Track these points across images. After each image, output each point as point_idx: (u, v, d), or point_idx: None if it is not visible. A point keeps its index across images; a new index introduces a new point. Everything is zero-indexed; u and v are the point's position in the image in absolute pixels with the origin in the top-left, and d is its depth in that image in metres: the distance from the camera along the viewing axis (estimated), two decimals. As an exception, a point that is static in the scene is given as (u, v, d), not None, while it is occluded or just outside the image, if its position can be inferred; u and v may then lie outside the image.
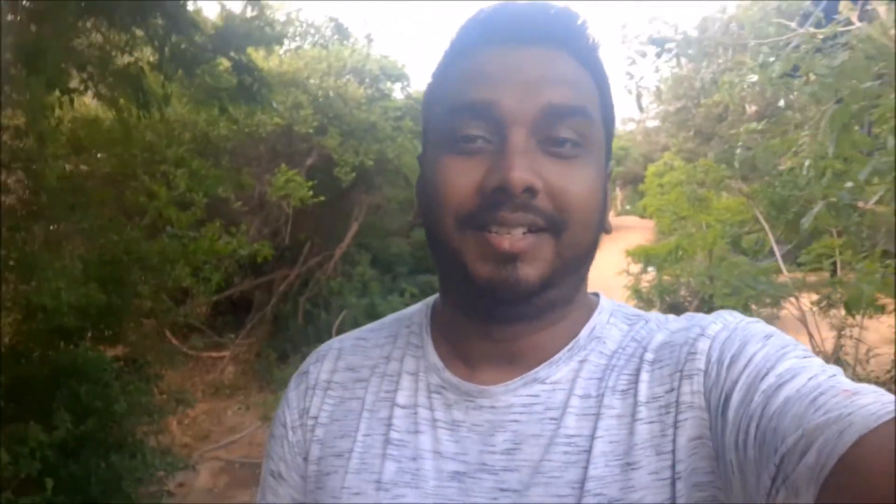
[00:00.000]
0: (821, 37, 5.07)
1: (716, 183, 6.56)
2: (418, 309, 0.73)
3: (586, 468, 0.56)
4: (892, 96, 3.10)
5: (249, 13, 3.71)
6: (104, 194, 3.73)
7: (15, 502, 3.01)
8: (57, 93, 3.56)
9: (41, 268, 2.94)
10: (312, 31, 7.85)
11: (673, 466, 0.54)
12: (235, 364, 8.63)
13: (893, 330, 5.02)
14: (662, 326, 0.64)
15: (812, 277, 6.22)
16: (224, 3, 3.90)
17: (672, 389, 0.57)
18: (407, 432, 0.63)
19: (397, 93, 8.35)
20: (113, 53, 3.77)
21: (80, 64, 3.68)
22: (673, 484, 0.54)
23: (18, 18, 3.26)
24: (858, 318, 5.37)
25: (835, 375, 0.51)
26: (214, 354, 8.53)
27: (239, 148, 6.95)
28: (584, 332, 0.64)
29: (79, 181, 3.57)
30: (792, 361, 0.53)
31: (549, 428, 0.59)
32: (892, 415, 0.42)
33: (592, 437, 0.57)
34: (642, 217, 15.22)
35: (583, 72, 0.62)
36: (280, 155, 7.31)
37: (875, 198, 3.70)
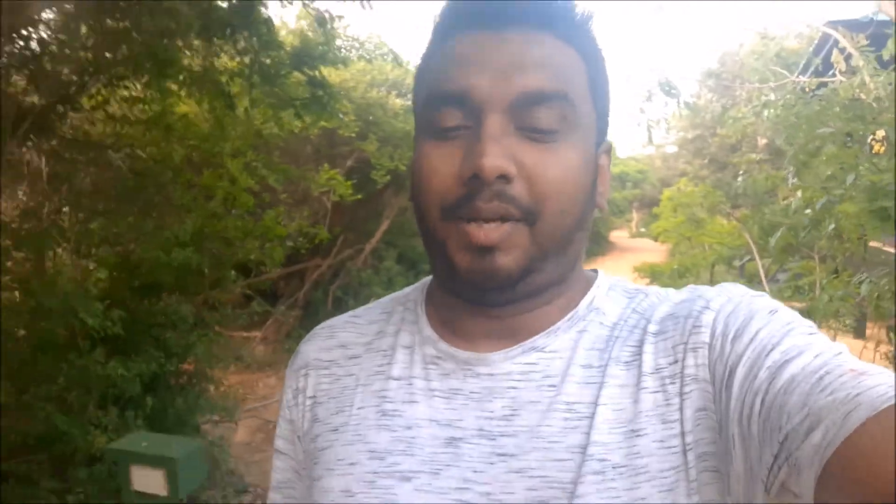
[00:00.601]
0: (815, 85, 5.85)
1: (711, 207, 7.27)
2: (414, 288, 0.74)
3: (588, 433, 0.57)
4: (834, 144, 3.85)
5: (321, 37, 4.52)
6: (190, 176, 4.55)
7: (122, 416, 3.81)
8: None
9: (157, 229, 3.72)
10: (357, 45, 8.71)
11: (682, 436, 0.55)
12: (266, 343, 9.46)
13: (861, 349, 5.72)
14: (664, 299, 0.64)
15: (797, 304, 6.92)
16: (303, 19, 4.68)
17: (676, 361, 0.58)
18: (402, 402, 0.64)
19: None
20: (205, 61, 4.60)
21: (179, 69, 4.51)
22: (684, 454, 0.55)
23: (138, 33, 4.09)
24: (831, 334, 6.07)
25: (840, 353, 0.51)
26: (245, 334, 9.37)
27: (288, 146, 7.78)
28: (583, 303, 0.65)
29: (174, 165, 4.39)
30: (797, 338, 0.53)
31: (548, 395, 0.60)
32: None
33: (595, 405, 0.58)
34: (655, 240, 15.89)
35: (567, 51, 0.61)
36: (323, 155, 8.15)
37: (831, 226, 4.42)
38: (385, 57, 8.74)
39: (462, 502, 0.58)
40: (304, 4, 4.74)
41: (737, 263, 9.08)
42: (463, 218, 0.58)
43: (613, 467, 0.55)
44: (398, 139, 8.18)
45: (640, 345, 0.60)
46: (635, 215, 32.35)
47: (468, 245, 0.58)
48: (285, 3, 4.66)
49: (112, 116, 4.73)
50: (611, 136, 0.68)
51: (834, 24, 7.61)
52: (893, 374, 0.46)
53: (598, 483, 0.55)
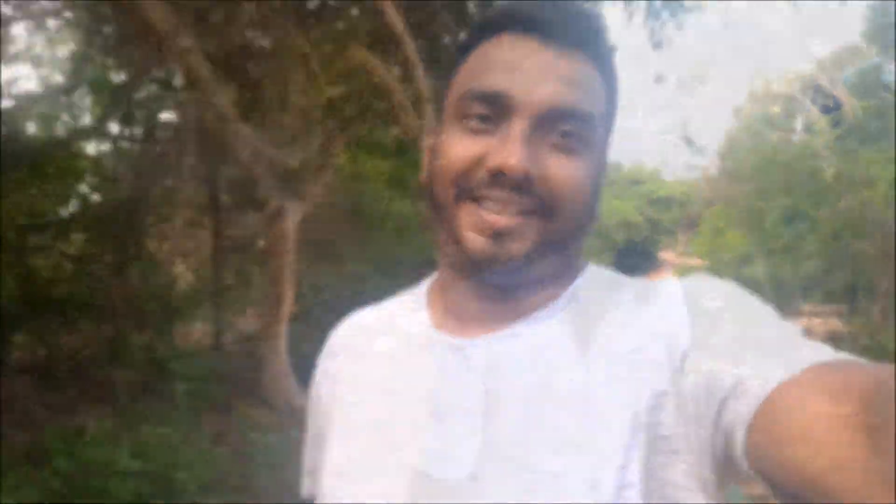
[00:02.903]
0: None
1: (727, 223, 10.06)
2: (424, 280, 0.80)
3: (561, 414, 0.61)
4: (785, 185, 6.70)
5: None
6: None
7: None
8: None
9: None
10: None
11: (635, 416, 0.59)
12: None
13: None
14: (641, 290, 0.68)
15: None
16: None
17: (642, 346, 0.62)
18: (400, 383, 0.70)
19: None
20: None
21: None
22: (635, 433, 0.58)
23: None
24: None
25: (784, 326, 0.57)
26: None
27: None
28: (567, 292, 0.69)
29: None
30: (761, 328, 0.58)
31: (529, 378, 0.64)
32: (816, 362, 0.47)
33: (568, 386, 0.62)
34: (698, 257, 18.24)
35: (595, 75, 0.66)
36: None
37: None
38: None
39: (444, 479, 0.62)
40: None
41: (747, 267, 11.70)
42: (478, 200, 0.63)
43: (575, 444, 0.59)
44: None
45: (613, 328, 0.65)
46: (681, 237, 33.71)
47: (481, 227, 0.63)
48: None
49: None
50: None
51: (816, 88, 10.40)
52: (824, 346, 0.51)
53: (557, 458, 0.59)
